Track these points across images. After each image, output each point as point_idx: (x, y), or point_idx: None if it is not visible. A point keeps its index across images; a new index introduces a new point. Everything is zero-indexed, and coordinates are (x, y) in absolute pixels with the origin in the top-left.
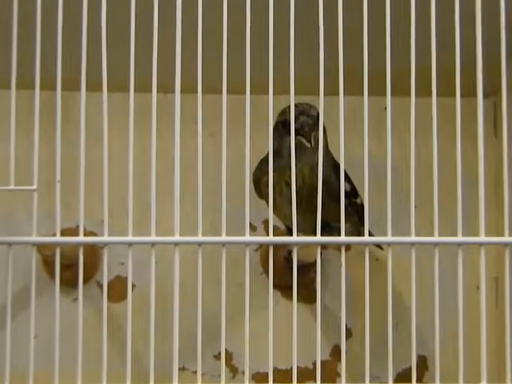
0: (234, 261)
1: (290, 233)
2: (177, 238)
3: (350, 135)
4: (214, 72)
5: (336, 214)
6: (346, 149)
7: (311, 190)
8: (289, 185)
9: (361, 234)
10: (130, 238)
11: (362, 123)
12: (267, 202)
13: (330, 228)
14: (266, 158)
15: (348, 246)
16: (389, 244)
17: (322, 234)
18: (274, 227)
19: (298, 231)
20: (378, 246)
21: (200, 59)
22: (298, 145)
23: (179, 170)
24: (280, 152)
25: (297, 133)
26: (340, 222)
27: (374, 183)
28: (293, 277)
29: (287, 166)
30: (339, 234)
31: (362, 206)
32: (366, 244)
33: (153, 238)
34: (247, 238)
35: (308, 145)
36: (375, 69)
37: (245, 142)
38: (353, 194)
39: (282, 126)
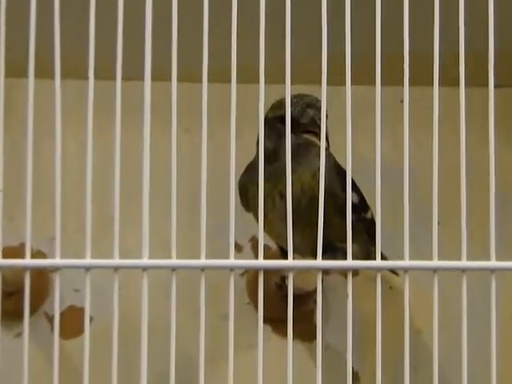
0: (215, 288)
1: (284, 255)
2: (145, 261)
3: (358, 134)
4: (191, 55)
5: (341, 231)
6: (354, 151)
7: (311, 202)
8: (283, 196)
9: (371, 256)
10: (87, 260)
11: (373, 119)
12: (256, 217)
13: (333, 249)
14: (255, 162)
15: (356, 272)
16: (406, 270)
17: (323, 257)
18: (265, 247)
19: (294, 252)
20: (393, 271)
21: (175, 37)
22: (304, 145)
23: (148, 175)
24: (276, 155)
25: (304, 130)
26: (346, 242)
27: (387, 194)
28: (287, 308)
29: (284, 172)
30: (345, 257)
31: (372, 221)
32: (378, 269)
33: (116, 260)
34: (231, 260)
35: (319, 143)
36: (390, 52)
37: (229, 141)
38: (361, 207)
39: (279, 121)
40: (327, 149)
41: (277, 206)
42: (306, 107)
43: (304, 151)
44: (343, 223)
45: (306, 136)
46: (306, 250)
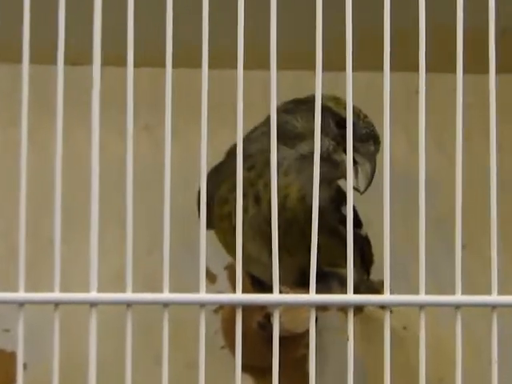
0: (181, 329)
1: (257, 286)
2: (93, 294)
3: None
4: (150, 35)
5: (331, 254)
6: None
7: (294, 220)
8: (259, 202)
9: (361, 286)
10: (20, 294)
11: (380, 113)
12: (221, 235)
13: (323, 276)
14: (223, 165)
15: (358, 308)
16: (421, 306)
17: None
18: (243, 278)
19: (269, 283)
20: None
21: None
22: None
23: (97, 186)
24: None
25: (354, 149)
26: (337, 266)
27: (399, 207)
28: (272, 354)
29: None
30: (341, 286)
31: (367, 240)
32: (387, 306)
33: (56, 294)
34: (202, 294)
35: (345, 176)
36: (401, 28)
37: (200, 141)
38: (355, 220)
39: (334, 121)
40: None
41: (249, 215)
42: (370, 137)
43: (303, 158)
44: (334, 244)
45: (346, 159)
46: (285, 279)
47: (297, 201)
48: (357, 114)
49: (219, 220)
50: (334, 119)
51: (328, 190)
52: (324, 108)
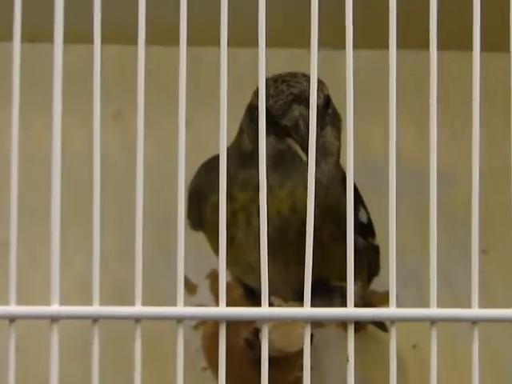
0: (156, 347)
1: (251, 298)
2: (55, 307)
3: (366, 121)
4: (120, 7)
5: (344, 265)
6: (362, 145)
7: (305, 227)
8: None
9: (365, 298)
10: None
11: (386, 96)
12: (212, 239)
13: (329, 290)
14: (216, 162)
15: (361, 324)
16: (433, 321)
17: (314, 301)
18: (229, 286)
19: (273, 295)
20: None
21: None
22: (288, 152)
23: (58, 179)
24: (254, 158)
25: (286, 133)
26: (345, 280)
27: (406, 205)
28: (261, 377)
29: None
30: (343, 302)
31: (377, 250)
32: (392, 321)
33: (12, 307)
34: (180, 308)
35: (303, 156)
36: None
37: (178, 130)
38: (370, 229)
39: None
40: (337, 153)
41: (253, 226)
42: (292, 102)
43: (292, 160)
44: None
45: (289, 141)
46: (287, 291)
47: (304, 210)
48: (274, 93)
49: (212, 226)
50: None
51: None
52: (250, 109)
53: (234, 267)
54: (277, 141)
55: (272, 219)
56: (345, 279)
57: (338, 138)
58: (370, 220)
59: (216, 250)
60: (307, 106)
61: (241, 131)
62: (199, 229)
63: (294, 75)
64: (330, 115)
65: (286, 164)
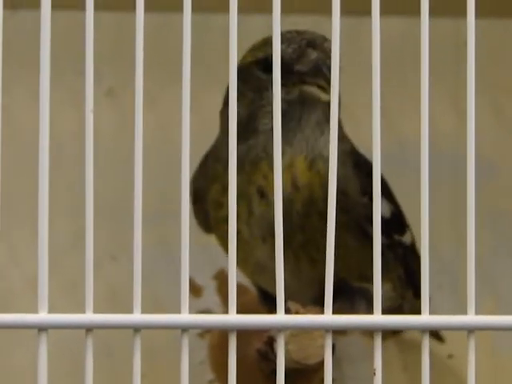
0: (157, 359)
1: (268, 303)
2: (43, 316)
3: (396, 97)
4: None
5: (362, 263)
6: (390, 126)
7: (311, 209)
8: (265, 196)
9: (405, 304)
10: None
11: (418, 70)
12: (222, 240)
13: (348, 292)
14: (216, 151)
15: (389, 332)
16: (470, 330)
17: (334, 306)
18: (240, 289)
19: (287, 298)
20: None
21: None
22: (300, 106)
23: (46, 165)
24: (252, 126)
25: (299, 80)
26: (368, 281)
27: (443, 196)
28: None
29: (265, 154)
30: (368, 305)
31: (412, 248)
32: (424, 329)
33: None
34: (184, 315)
35: (325, 96)
36: None
37: (180, 108)
38: (396, 224)
39: (261, 69)
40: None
41: (255, 214)
42: (307, 47)
43: (299, 117)
44: (365, 250)
45: (305, 88)
46: (303, 293)
47: (309, 172)
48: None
49: (217, 224)
50: (257, 69)
51: (357, 176)
52: (241, 69)
53: (243, 268)
54: (287, 91)
55: (271, 203)
56: (366, 279)
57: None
58: (396, 214)
59: (225, 249)
60: (323, 52)
61: (226, 105)
62: (210, 231)
63: (303, 30)
64: None
65: (289, 123)
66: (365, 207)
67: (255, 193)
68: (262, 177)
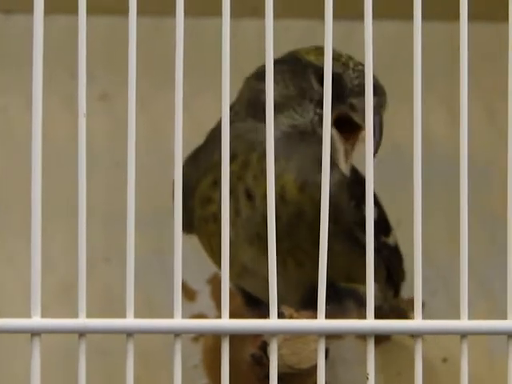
0: (150, 363)
1: (251, 306)
2: (37, 320)
3: (390, 99)
4: None
5: (348, 265)
6: (384, 129)
7: (298, 219)
8: (252, 198)
9: (384, 306)
10: None
11: (411, 72)
12: (204, 240)
13: (336, 293)
14: (200, 152)
15: (383, 336)
16: (463, 334)
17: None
18: (233, 295)
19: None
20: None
21: None
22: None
23: (39, 169)
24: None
25: (339, 101)
26: (354, 281)
27: (437, 200)
28: None
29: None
30: (358, 305)
31: (396, 250)
32: (417, 334)
33: None
34: (177, 320)
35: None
36: None
37: (173, 112)
38: (381, 226)
39: (317, 78)
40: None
41: (242, 215)
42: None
43: (299, 140)
44: (350, 253)
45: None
46: (290, 296)
47: (297, 191)
48: (343, 62)
49: (202, 222)
50: (317, 76)
51: (346, 183)
52: (305, 64)
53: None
54: (315, 108)
55: (259, 206)
56: (353, 280)
57: None
58: (381, 216)
59: (210, 253)
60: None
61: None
62: (191, 231)
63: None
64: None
65: (289, 143)
66: (352, 211)
67: (243, 193)
68: (252, 177)
